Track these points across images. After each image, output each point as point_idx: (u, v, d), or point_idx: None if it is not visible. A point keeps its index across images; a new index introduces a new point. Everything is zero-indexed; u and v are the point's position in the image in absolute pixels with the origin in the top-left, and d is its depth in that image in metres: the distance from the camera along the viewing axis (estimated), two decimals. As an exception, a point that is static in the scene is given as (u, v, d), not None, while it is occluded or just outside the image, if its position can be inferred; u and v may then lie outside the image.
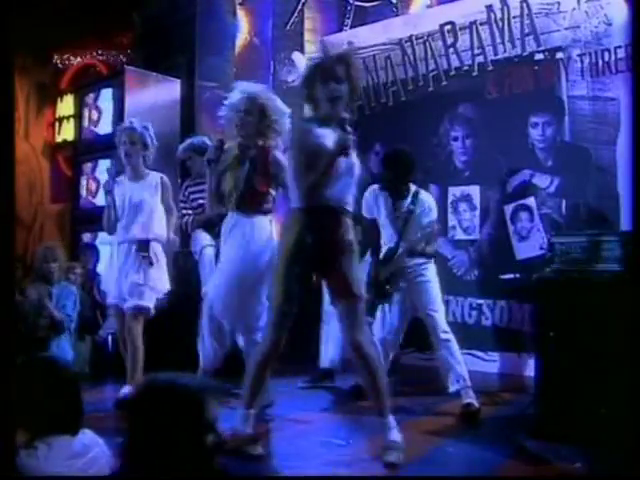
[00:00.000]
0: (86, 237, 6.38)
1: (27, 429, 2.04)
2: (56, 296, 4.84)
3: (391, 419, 2.91)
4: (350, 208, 2.97)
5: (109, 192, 4.09)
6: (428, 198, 4.03)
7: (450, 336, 3.85)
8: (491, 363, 4.90)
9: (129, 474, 1.58)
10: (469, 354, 4.95)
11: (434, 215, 3.99)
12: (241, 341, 3.68)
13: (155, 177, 4.14)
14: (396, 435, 2.88)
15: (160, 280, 4.05)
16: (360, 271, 3.05)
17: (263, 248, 3.48)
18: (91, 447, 1.99)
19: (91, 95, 6.57)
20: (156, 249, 4.05)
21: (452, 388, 3.78)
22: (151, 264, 3.98)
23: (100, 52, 7.94)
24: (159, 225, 4.08)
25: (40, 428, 2.02)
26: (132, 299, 3.94)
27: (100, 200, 6.33)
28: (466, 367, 3.86)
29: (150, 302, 3.99)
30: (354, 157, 2.94)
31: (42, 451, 1.97)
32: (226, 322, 3.67)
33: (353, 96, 2.99)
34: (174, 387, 1.62)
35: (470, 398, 3.72)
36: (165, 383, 1.64)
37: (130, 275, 3.95)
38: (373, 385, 2.93)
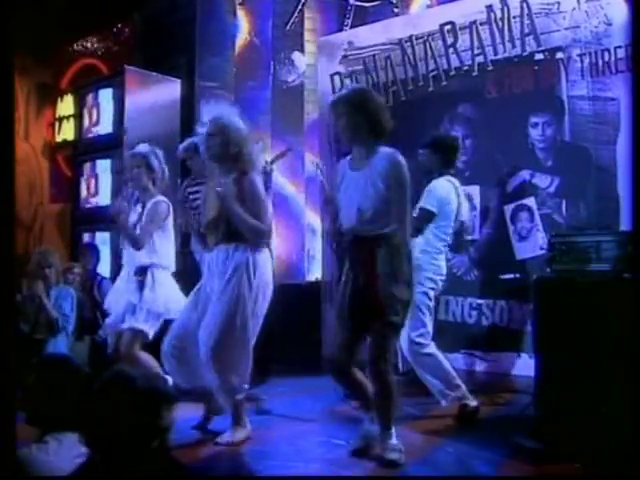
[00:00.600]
0: (86, 237, 6.38)
1: (39, 426, 2.06)
2: (53, 298, 4.84)
3: (393, 430, 2.98)
4: (384, 232, 2.96)
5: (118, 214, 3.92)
6: (435, 189, 3.86)
7: (418, 358, 3.75)
8: (491, 363, 4.90)
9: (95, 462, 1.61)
10: (469, 354, 4.96)
11: (424, 202, 3.82)
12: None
13: (153, 201, 3.96)
14: (396, 441, 2.95)
15: (158, 303, 3.86)
16: (400, 297, 2.98)
17: (262, 289, 3.38)
18: None
19: (91, 95, 6.57)
20: (156, 273, 3.89)
21: (443, 403, 3.75)
22: (142, 288, 3.83)
23: (100, 52, 7.94)
24: (155, 249, 3.91)
25: (51, 425, 2.03)
26: (128, 320, 3.82)
27: (100, 200, 6.35)
28: (450, 373, 3.73)
29: (145, 325, 3.81)
30: (370, 184, 3.00)
31: (52, 447, 1.99)
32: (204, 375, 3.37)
33: (371, 124, 3.08)
34: (133, 388, 1.64)
35: (465, 399, 3.71)
36: (125, 381, 1.66)
37: (127, 296, 3.86)
38: (386, 409, 2.99)
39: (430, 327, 3.78)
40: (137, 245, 3.87)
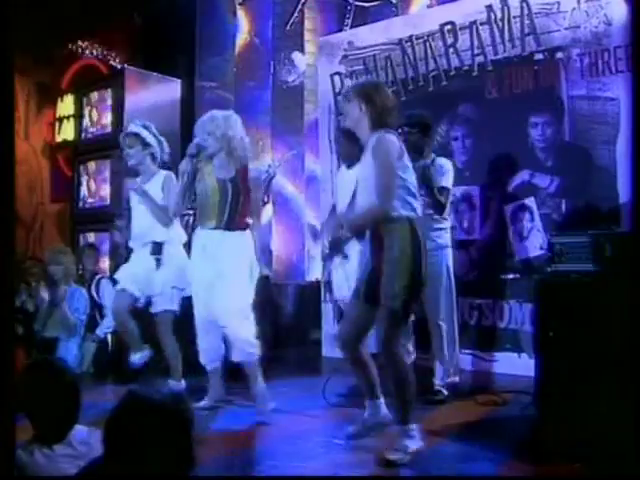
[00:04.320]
0: (89, 237, 6.38)
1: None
2: (68, 299, 4.85)
3: (411, 426, 2.97)
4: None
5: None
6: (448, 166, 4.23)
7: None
8: (491, 363, 4.90)
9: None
10: (469, 354, 4.96)
11: (446, 182, 4.18)
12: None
13: (161, 175, 4.14)
14: (411, 440, 2.94)
15: (181, 279, 4.05)
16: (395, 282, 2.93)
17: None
18: (88, 444, 1.99)
19: (91, 95, 6.57)
20: (169, 249, 4.08)
21: None
22: (159, 265, 4.03)
23: (100, 52, 7.94)
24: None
25: (38, 430, 2.01)
26: (160, 301, 4.06)
27: (100, 200, 6.35)
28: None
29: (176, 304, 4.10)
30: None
31: (40, 460, 1.97)
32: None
33: (371, 114, 3.10)
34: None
35: None
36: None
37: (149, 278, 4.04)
38: (401, 397, 3.01)
39: None
40: (166, 220, 4.01)
